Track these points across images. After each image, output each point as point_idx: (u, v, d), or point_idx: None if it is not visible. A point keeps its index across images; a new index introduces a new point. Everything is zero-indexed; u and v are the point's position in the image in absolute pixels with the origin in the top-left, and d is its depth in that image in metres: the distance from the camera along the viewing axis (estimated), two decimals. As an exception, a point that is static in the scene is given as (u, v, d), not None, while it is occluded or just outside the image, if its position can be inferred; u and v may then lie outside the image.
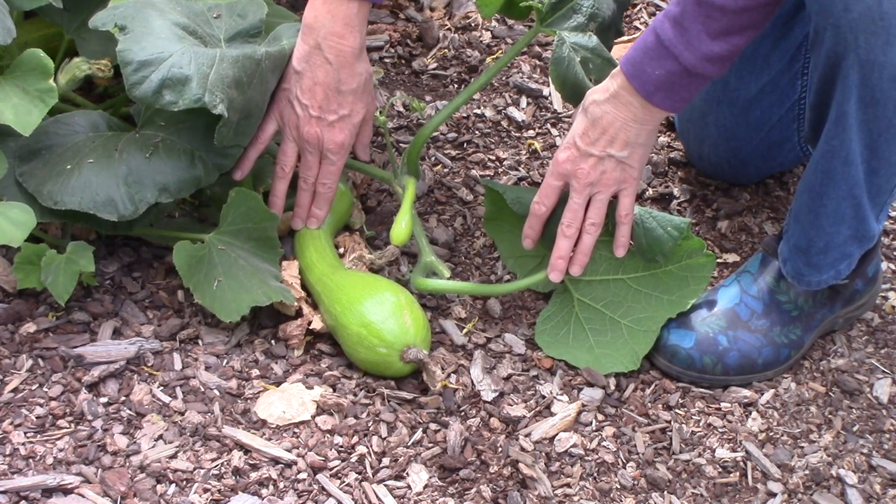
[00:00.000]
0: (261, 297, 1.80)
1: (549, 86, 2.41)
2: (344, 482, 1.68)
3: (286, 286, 1.84)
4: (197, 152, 1.82)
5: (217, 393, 1.77)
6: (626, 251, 1.89)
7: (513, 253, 2.01)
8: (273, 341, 1.87)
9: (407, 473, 1.71)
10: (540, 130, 2.32)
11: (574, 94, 1.90)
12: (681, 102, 1.74)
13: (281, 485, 1.66)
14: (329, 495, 1.66)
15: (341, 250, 1.97)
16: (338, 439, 1.73)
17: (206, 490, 1.64)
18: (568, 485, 1.72)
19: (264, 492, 1.65)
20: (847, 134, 1.68)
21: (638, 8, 2.65)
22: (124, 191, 1.77)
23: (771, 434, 1.83)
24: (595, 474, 1.75)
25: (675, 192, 2.21)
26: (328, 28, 1.80)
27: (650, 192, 2.21)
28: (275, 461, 1.69)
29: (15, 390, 1.74)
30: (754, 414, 1.86)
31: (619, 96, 1.76)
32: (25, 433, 1.68)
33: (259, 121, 1.86)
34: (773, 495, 1.75)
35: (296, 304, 1.85)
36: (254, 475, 1.67)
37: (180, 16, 1.81)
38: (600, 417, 1.83)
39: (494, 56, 2.47)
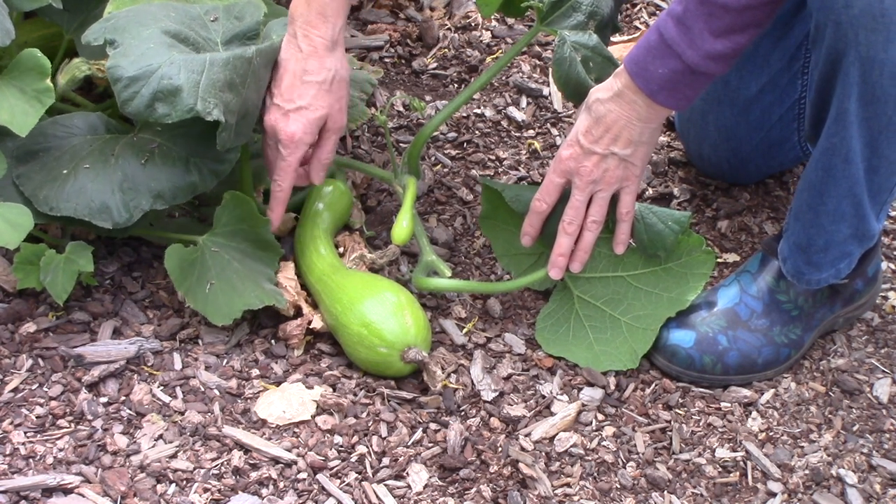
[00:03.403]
0: (253, 301, 1.80)
1: (549, 85, 2.41)
2: (344, 482, 1.68)
3: (279, 289, 1.84)
4: (192, 159, 1.80)
5: (217, 393, 1.77)
6: (626, 248, 1.89)
7: (508, 251, 2.01)
8: (273, 341, 1.87)
9: (407, 473, 1.71)
10: (540, 130, 2.32)
11: (576, 94, 1.90)
12: (685, 100, 1.74)
13: (281, 484, 1.66)
14: (329, 495, 1.66)
15: (341, 250, 1.97)
16: (338, 439, 1.73)
17: (206, 490, 1.64)
18: (568, 484, 1.72)
19: (264, 491, 1.65)
20: (847, 131, 1.69)
21: (638, 7, 2.65)
22: (119, 198, 1.76)
23: (771, 434, 1.83)
24: (595, 474, 1.75)
25: (675, 191, 2.21)
26: (304, 17, 1.79)
27: (650, 191, 2.21)
28: (275, 461, 1.69)
29: (15, 390, 1.74)
30: (754, 414, 1.86)
31: (623, 95, 1.76)
32: (25, 433, 1.68)
33: (254, 118, 1.83)
34: (773, 495, 1.75)
35: (288, 307, 1.84)
36: (254, 475, 1.67)
37: (173, 23, 1.79)
38: (600, 417, 1.83)
39: (494, 56, 2.47)
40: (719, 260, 2.09)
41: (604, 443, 1.79)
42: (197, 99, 1.69)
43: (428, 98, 2.36)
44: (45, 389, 1.74)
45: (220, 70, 1.73)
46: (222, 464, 1.68)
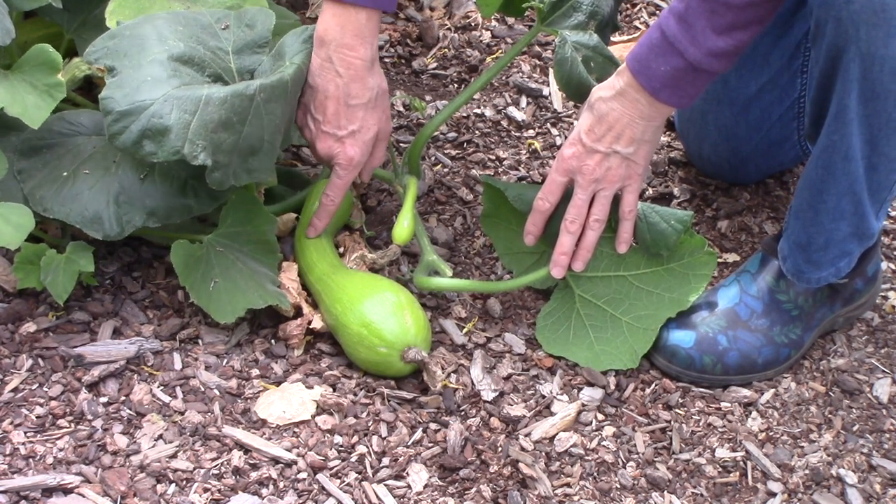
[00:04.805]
0: (256, 300, 1.80)
1: (549, 85, 2.41)
2: (344, 482, 1.68)
3: (283, 291, 1.84)
4: (191, 181, 1.79)
5: (217, 393, 1.77)
6: (629, 247, 1.90)
7: (509, 250, 2.01)
8: (273, 341, 1.87)
9: (407, 473, 1.71)
10: (540, 130, 2.32)
11: (578, 94, 1.90)
12: (687, 98, 1.74)
13: (281, 484, 1.66)
14: (329, 495, 1.66)
15: (341, 250, 1.97)
16: (338, 439, 1.73)
17: (206, 490, 1.64)
18: (568, 484, 1.72)
19: (264, 491, 1.65)
20: (847, 129, 1.69)
21: (638, 7, 2.65)
22: (113, 210, 1.76)
23: (771, 434, 1.83)
24: (595, 474, 1.74)
25: (675, 191, 2.21)
26: (338, 40, 1.78)
27: (650, 191, 2.21)
28: (275, 461, 1.69)
29: (15, 390, 1.73)
30: (754, 414, 1.86)
31: (626, 93, 1.76)
32: (25, 433, 1.68)
33: (270, 154, 1.79)
34: (773, 495, 1.75)
35: (291, 309, 1.85)
36: (254, 475, 1.67)
37: (180, 39, 1.77)
38: (600, 417, 1.83)
39: (494, 56, 2.47)
40: (719, 260, 2.09)
41: (604, 443, 1.79)
42: (185, 141, 1.67)
43: (428, 98, 2.36)
44: (45, 389, 1.74)
45: (216, 109, 1.69)
46: (222, 464, 1.68)
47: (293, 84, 1.78)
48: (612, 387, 1.87)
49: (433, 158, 2.23)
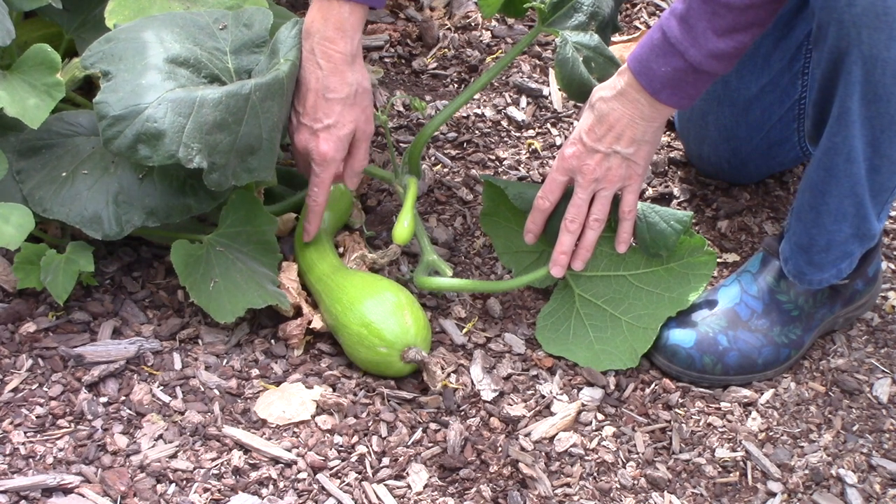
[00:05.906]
0: (256, 300, 1.80)
1: (549, 85, 2.41)
2: (344, 482, 1.68)
3: (283, 291, 1.84)
4: (190, 180, 1.79)
5: (217, 392, 1.77)
6: (628, 247, 1.90)
7: (509, 249, 2.01)
8: (273, 341, 1.87)
9: (407, 473, 1.71)
10: (540, 130, 2.32)
11: (580, 94, 1.90)
12: (687, 99, 1.74)
13: (281, 484, 1.66)
14: (329, 495, 1.66)
15: (341, 250, 1.97)
16: (338, 439, 1.73)
17: (206, 490, 1.64)
18: (568, 484, 1.72)
19: (264, 491, 1.65)
20: (849, 131, 1.69)
21: (638, 7, 2.65)
22: (112, 210, 1.76)
23: (771, 434, 1.83)
24: (595, 474, 1.75)
25: (675, 191, 2.21)
26: (321, 33, 1.78)
27: (650, 191, 2.21)
28: (275, 461, 1.69)
29: (15, 390, 1.74)
30: (754, 414, 1.86)
31: (626, 93, 1.76)
32: (25, 433, 1.68)
33: (270, 152, 1.78)
34: (773, 495, 1.75)
35: (291, 309, 1.85)
36: (254, 475, 1.67)
37: (176, 40, 1.76)
38: (600, 417, 1.83)
39: (494, 56, 2.47)
40: (719, 260, 2.09)
41: (604, 443, 1.79)
42: (179, 145, 1.66)
43: (428, 98, 2.36)
44: (45, 389, 1.74)
45: (211, 111, 1.69)
46: (222, 464, 1.68)
47: (289, 81, 1.78)
48: (612, 387, 1.87)
49: (433, 158, 2.23)
